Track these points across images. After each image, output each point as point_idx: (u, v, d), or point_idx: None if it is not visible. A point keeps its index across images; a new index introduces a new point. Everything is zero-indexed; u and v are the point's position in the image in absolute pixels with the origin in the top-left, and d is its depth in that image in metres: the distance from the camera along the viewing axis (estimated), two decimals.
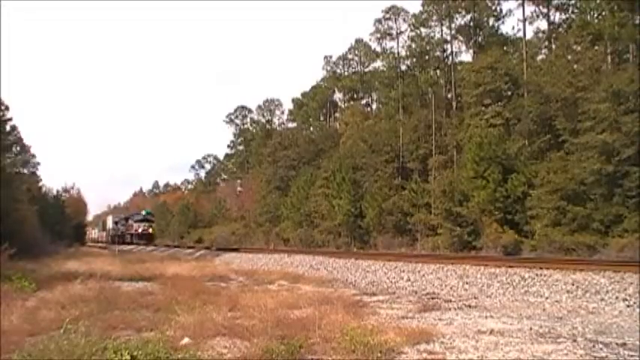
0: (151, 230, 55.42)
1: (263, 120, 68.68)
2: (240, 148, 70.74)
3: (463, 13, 35.17)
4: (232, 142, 72.24)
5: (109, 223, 68.38)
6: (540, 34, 32.13)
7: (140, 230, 54.64)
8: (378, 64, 47.01)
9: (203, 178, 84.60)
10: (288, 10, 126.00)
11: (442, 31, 36.05)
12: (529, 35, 32.21)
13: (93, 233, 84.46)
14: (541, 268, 12.11)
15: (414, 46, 37.33)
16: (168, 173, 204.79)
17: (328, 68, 55.91)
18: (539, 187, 21.92)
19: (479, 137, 26.15)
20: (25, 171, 41.88)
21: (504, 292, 11.22)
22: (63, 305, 8.75)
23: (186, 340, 6.24)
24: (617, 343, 6.10)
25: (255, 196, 50.82)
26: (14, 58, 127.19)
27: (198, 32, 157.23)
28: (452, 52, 36.28)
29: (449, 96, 35.62)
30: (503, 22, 35.34)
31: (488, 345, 6.05)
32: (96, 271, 13.55)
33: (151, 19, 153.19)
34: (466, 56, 37.46)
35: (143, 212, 59.71)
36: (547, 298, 10.26)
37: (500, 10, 34.88)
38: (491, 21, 35.57)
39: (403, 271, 15.09)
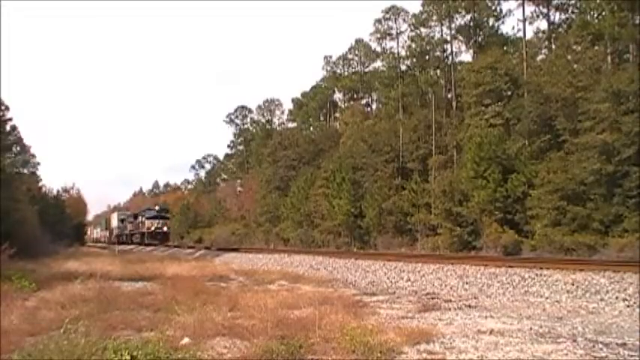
0: (166, 228, 48.41)
1: (263, 120, 68.73)
2: (240, 148, 70.78)
3: (463, 13, 35.18)
4: (232, 142, 72.37)
5: (114, 222, 64.66)
6: (540, 34, 32.13)
7: (153, 228, 47.44)
8: (378, 64, 47.12)
9: (203, 178, 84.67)
10: (289, 10, 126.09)
11: (442, 31, 36.09)
12: (529, 35, 32.27)
13: (94, 233, 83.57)
14: (541, 268, 12.10)
15: (414, 46, 37.35)
16: (168, 173, 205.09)
17: (328, 68, 55.98)
18: (539, 187, 21.93)
19: (479, 137, 26.16)
20: (25, 171, 41.90)
21: (504, 292, 11.21)
22: (63, 305, 8.74)
23: (186, 340, 6.24)
24: (617, 343, 6.10)
25: (255, 196, 50.86)
26: (14, 58, 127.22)
27: (198, 32, 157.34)
28: (452, 52, 36.33)
29: (449, 96, 35.62)
30: (503, 22, 35.42)
31: (488, 345, 6.05)
32: (96, 271, 13.53)
33: (151, 19, 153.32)
34: (466, 56, 37.55)
35: (156, 207, 52.33)
36: (547, 298, 10.25)
37: (500, 10, 34.95)
38: (491, 21, 35.60)
39: (403, 271, 15.08)
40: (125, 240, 55.60)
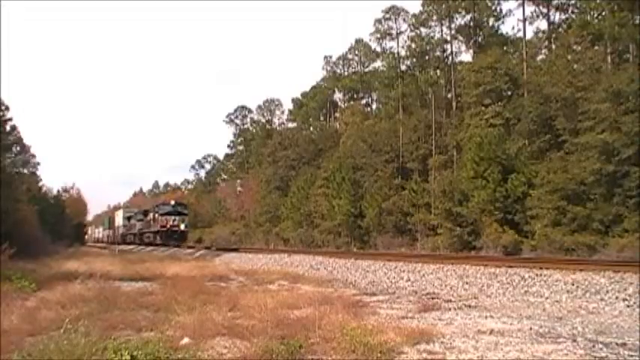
0: (183, 226, 41.68)
1: (263, 120, 68.84)
2: (240, 148, 70.86)
3: (463, 13, 35.24)
4: (232, 142, 72.49)
5: (119, 220, 60.59)
6: (540, 34, 32.19)
7: (169, 226, 40.77)
8: (378, 64, 47.25)
9: (203, 178, 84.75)
10: (289, 10, 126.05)
11: (442, 31, 36.17)
12: (529, 35, 32.35)
13: (96, 232, 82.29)
14: (541, 268, 12.08)
15: (414, 46, 37.41)
16: (169, 173, 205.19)
17: (328, 68, 56.11)
18: (539, 187, 21.94)
19: (479, 137, 26.18)
20: (25, 171, 41.88)
21: (504, 292, 11.20)
22: (63, 305, 8.74)
23: (186, 340, 6.24)
24: (617, 343, 6.10)
25: (255, 196, 50.89)
26: (14, 58, 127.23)
27: (198, 32, 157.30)
28: (452, 52, 36.42)
29: (449, 96, 35.66)
30: (503, 22, 35.53)
31: (488, 345, 6.04)
32: (96, 271, 13.52)
33: (150, 19, 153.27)
34: (466, 56, 37.65)
35: (172, 202, 44.88)
36: (547, 298, 10.24)
37: (500, 10, 35.04)
38: (491, 21, 35.67)
39: (403, 271, 15.06)
40: (133, 240, 51.25)
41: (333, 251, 27.20)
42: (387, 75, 41.62)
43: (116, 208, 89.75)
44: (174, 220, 40.90)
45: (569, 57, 25.60)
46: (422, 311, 8.85)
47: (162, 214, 41.62)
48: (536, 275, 11.58)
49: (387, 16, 39.81)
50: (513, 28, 42.53)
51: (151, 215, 45.12)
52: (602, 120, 20.20)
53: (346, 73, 54.45)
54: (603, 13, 25.27)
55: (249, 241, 43.68)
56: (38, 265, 17.68)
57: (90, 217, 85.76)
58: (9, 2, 73.56)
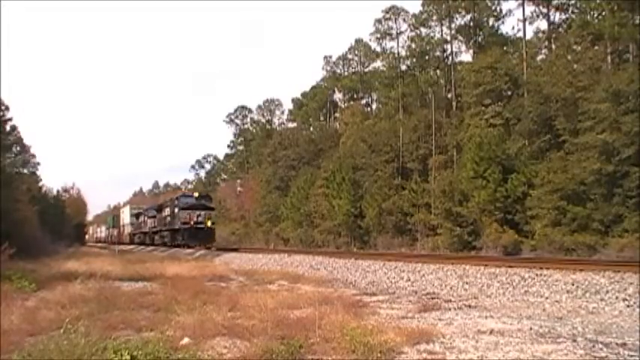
0: (210, 223, 34.13)
1: (263, 120, 68.84)
2: (240, 148, 70.84)
3: (463, 13, 35.26)
4: (232, 142, 72.49)
5: (126, 217, 56.57)
6: (540, 34, 32.18)
7: (193, 223, 33.49)
8: (378, 64, 47.23)
9: (203, 178, 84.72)
10: (288, 10, 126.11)
11: (442, 31, 36.19)
12: (529, 35, 32.35)
13: (98, 232, 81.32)
14: (541, 268, 12.07)
15: (414, 46, 37.44)
16: (169, 173, 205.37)
17: (328, 68, 56.10)
18: (539, 187, 21.95)
19: (479, 137, 26.19)
20: (25, 171, 41.87)
21: (504, 292, 11.19)
22: (63, 305, 8.73)
23: (186, 340, 6.23)
24: (617, 343, 6.09)
25: (255, 196, 50.91)
26: (14, 58, 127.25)
27: (198, 32, 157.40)
28: (452, 52, 36.43)
29: (449, 96, 35.67)
30: (503, 22, 35.55)
31: (488, 345, 6.04)
32: (96, 271, 13.52)
33: (151, 19, 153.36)
34: (466, 56, 37.67)
35: (195, 194, 37.22)
36: (547, 298, 10.23)
37: (500, 10, 35.05)
38: (491, 21, 35.69)
39: (403, 271, 15.05)
40: (143, 240, 45.50)
41: (333, 251, 27.18)
42: (387, 75, 41.60)
43: (117, 207, 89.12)
44: (198, 216, 33.71)
45: (569, 57, 25.61)
46: (422, 311, 8.84)
47: (183, 209, 34.26)
48: (536, 275, 11.57)
49: (387, 16, 39.83)
50: (513, 28, 42.64)
51: (167, 210, 37.95)
52: (602, 120, 20.20)
53: (346, 73, 54.45)
54: (603, 13, 25.24)
55: (249, 241, 43.69)
56: (38, 265, 17.66)
57: (90, 217, 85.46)
58: (9, 2, 73.52)
